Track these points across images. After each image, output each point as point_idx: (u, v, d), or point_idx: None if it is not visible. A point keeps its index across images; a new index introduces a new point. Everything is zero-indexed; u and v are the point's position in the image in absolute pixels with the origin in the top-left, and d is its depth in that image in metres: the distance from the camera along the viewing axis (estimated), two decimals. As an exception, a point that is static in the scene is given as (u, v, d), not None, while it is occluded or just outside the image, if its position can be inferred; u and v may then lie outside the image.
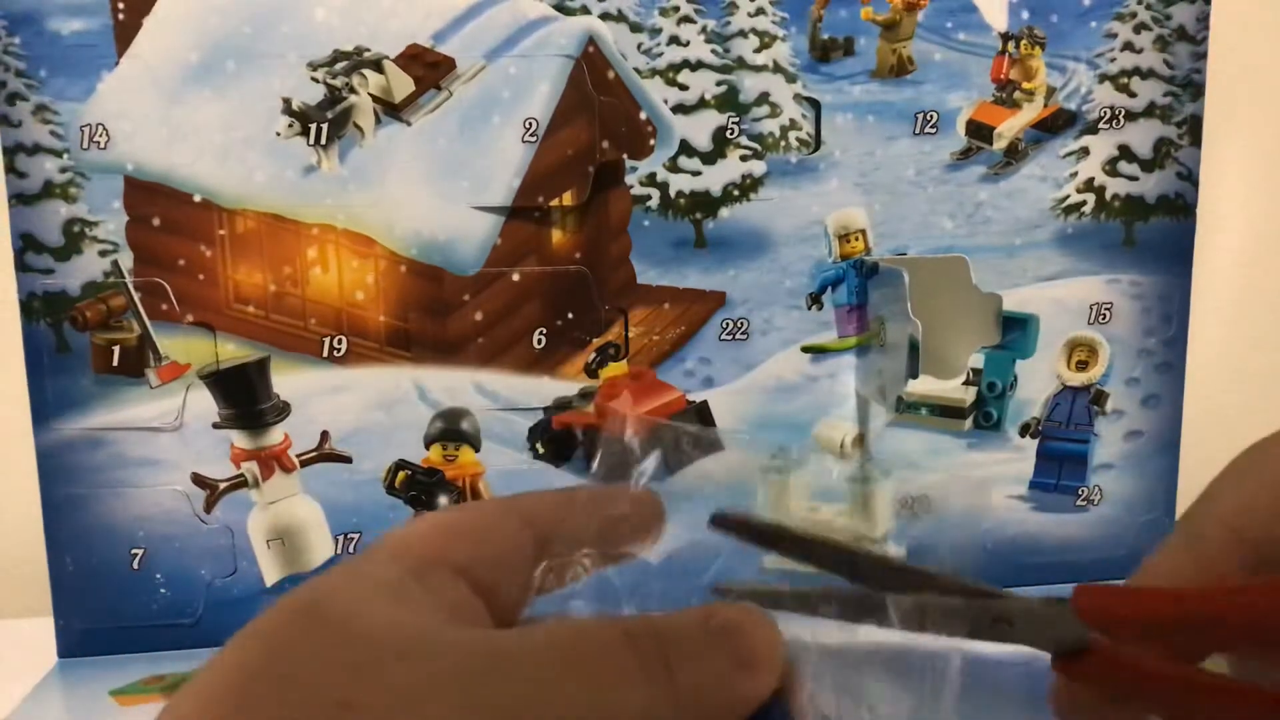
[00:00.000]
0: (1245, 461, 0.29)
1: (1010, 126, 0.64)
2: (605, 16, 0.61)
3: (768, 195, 0.63)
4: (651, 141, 0.62)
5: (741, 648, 0.23)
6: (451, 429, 0.63)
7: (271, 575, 0.62)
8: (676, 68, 0.62)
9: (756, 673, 0.23)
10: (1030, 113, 0.65)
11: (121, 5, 0.57)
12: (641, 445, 0.28)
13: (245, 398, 0.61)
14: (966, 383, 0.67)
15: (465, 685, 0.20)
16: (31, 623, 0.63)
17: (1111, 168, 0.66)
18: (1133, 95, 0.65)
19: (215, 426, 0.61)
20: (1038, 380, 0.67)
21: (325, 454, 0.62)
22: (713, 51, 0.62)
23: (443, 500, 0.63)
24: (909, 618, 0.26)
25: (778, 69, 0.63)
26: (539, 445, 0.64)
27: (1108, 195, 0.66)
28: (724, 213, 0.63)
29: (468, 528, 0.24)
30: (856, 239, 0.64)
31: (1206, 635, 0.25)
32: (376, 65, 0.59)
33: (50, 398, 0.59)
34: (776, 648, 0.23)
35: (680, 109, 0.62)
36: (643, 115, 0.62)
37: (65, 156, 0.58)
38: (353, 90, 0.59)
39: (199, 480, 0.61)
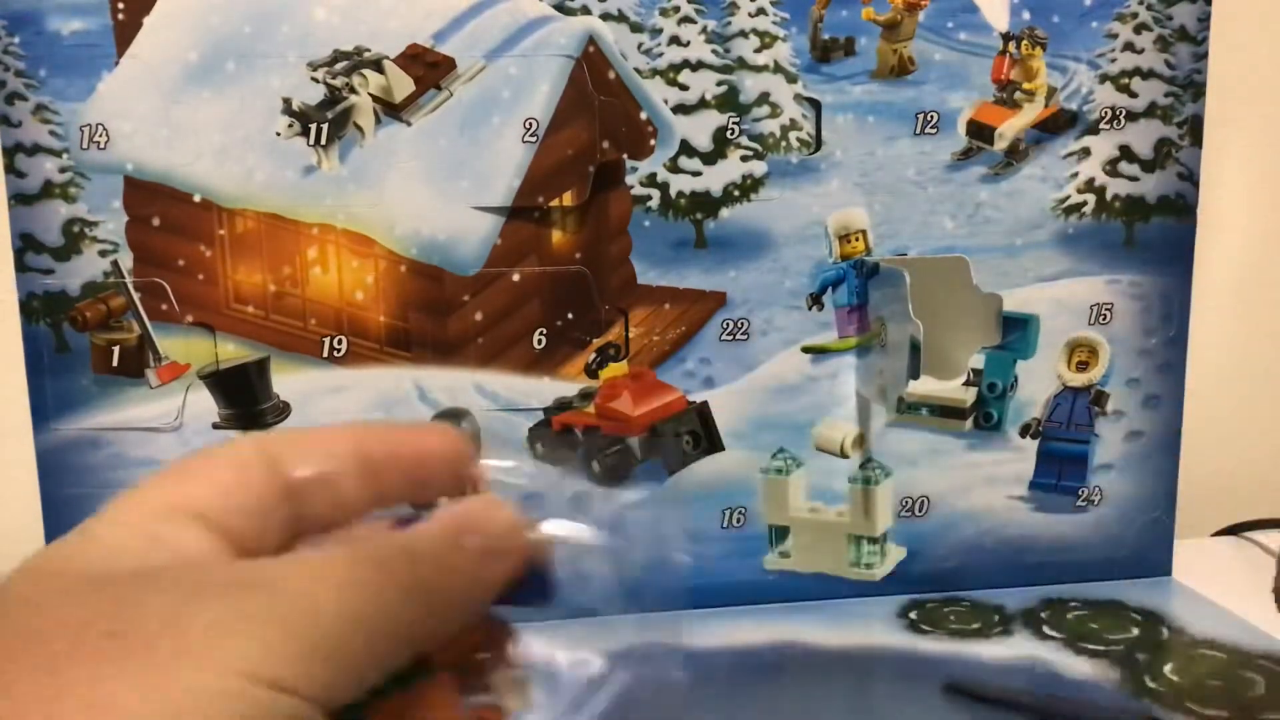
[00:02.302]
0: None
1: (1011, 127, 0.64)
2: (605, 16, 0.61)
3: (768, 195, 0.63)
4: (652, 141, 0.62)
5: (483, 541, 0.25)
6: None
7: (271, 575, 0.62)
8: (677, 68, 0.62)
9: (502, 557, 0.26)
10: (1031, 113, 0.65)
11: (121, 5, 0.57)
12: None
13: (245, 398, 0.61)
14: (967, 383, 0.66)
15: (229, 600, 0.21)
16: (31, 623, 0.63)
17: (1112, 168, 0.66)
18: (1133, 95, 0.65)
19: (215, 427, 0.61)
20: (1038, 381, 0.67)
21: (325, 454, 0.62)
22: (713, 51, 0.62)
23: (442, 500, 0.63)
24: None
25: (778, 69, 0.63)
26: (539, 445, 0.64)
27: (1108, 195, 0.66)
28: (724, 213, 0.63)
29: (204, 473, 0.25)
30: (857, 239, 0.64)
31: None
32: (376, 65, 0.59)
33: (50, 398, 0.59)
34: (517, 532, 0.26)
35: (681, 109, 0.62)
36: (643, 115, 0.62)
37: (65, 156, 0.58)
38: (353, 90, 0.59)
39: (199, 480, 0.61)
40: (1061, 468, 0.68)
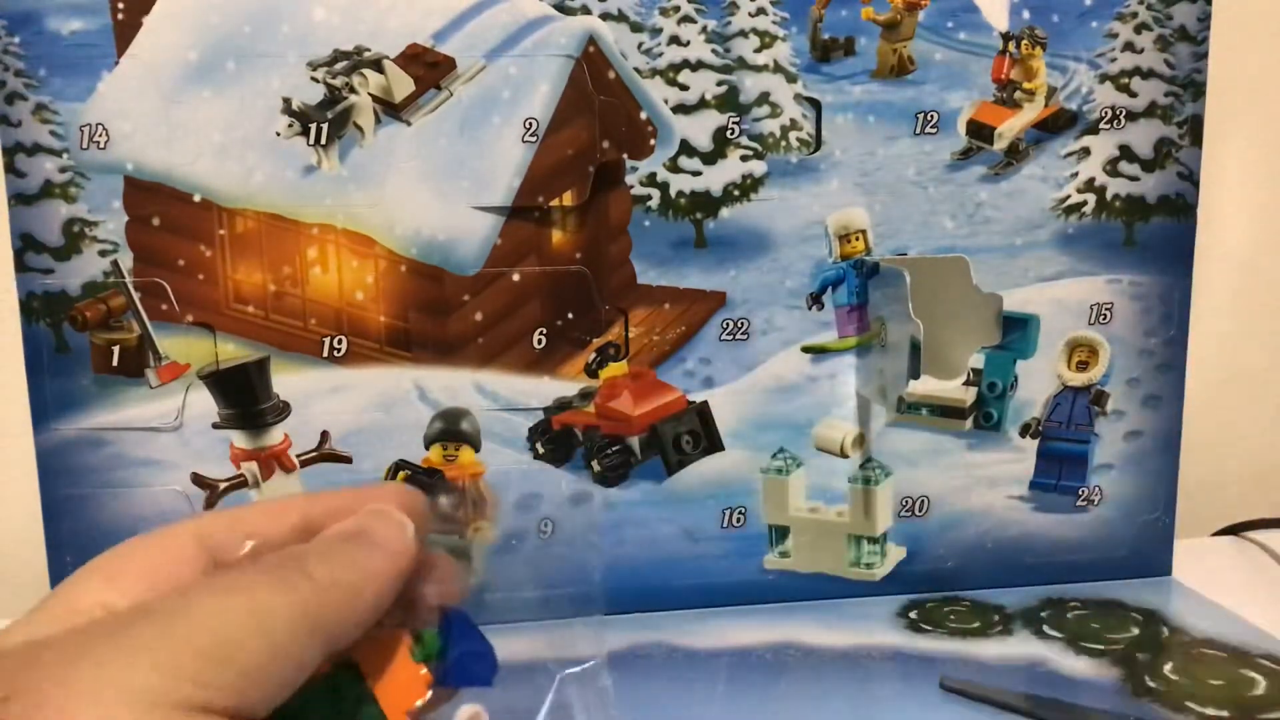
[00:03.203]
0: None
1: (1011, 126, 0.64)
2: (605, 16, 0.61)
3: (768, 195, 0.63)
4: (652, 141, 0.62)
5: (366, 538, 0.27)
6: (451, 429, 0.63)
7: (271, 575, 0.62)
8: (677, 68, 0.62)
9: (383, 546, 0.27)
10: (1031, 113, 0.65)
11: (121, 5, 0.57)
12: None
13: (245, 398, 0.61)
14: (967, 383, 0.66)
15: (115, 639, 0.22)
16: (31, 623, 0.63)
17: (1112, 168, 0.66)
18: (1133, 95, 0.65)
19: (215, 426, 0.61)
20: (1038, 380, 0.67)
21: (325, 454, 0.62)
22: (713, 51, 0.62)
23: (443, 500, 0.63)
24: None
25: (778, 69, 0.63)
26: (539, 445, 0.64)
27: (1108, 195, 0.66)
28: (724, 213, 0.63)
29: (133, 564, 0.26)
30: (857, 239, 0.64)
31: None
32: (376, 65, 0.59)
33: (50, 398, 0.59)
34: (399, 526, 0.28)
35: (681, 109, 0.62)
36: (643, 115, 0.62)
37: (65, 156, 0.58)
38: (353, 90, 0.59)
39: (199, 480, 0.61)
40: (1061, 468, 0.68)
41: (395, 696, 0.27)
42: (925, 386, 0.64)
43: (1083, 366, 0.67)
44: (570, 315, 0.63)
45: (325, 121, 0.59)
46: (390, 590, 0.26)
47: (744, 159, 0.63)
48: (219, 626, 0.22)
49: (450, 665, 0.28)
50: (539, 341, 0.63)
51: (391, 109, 0.60)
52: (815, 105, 0.63)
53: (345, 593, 0.25)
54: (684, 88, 0.62)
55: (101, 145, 0.58)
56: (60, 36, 0.57)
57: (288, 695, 0.23)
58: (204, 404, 0.61)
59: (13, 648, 0.23)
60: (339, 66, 0.59)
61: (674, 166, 0.63)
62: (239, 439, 0.61)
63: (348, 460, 0.62)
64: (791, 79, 0.63)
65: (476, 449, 0.63)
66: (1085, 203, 0.66)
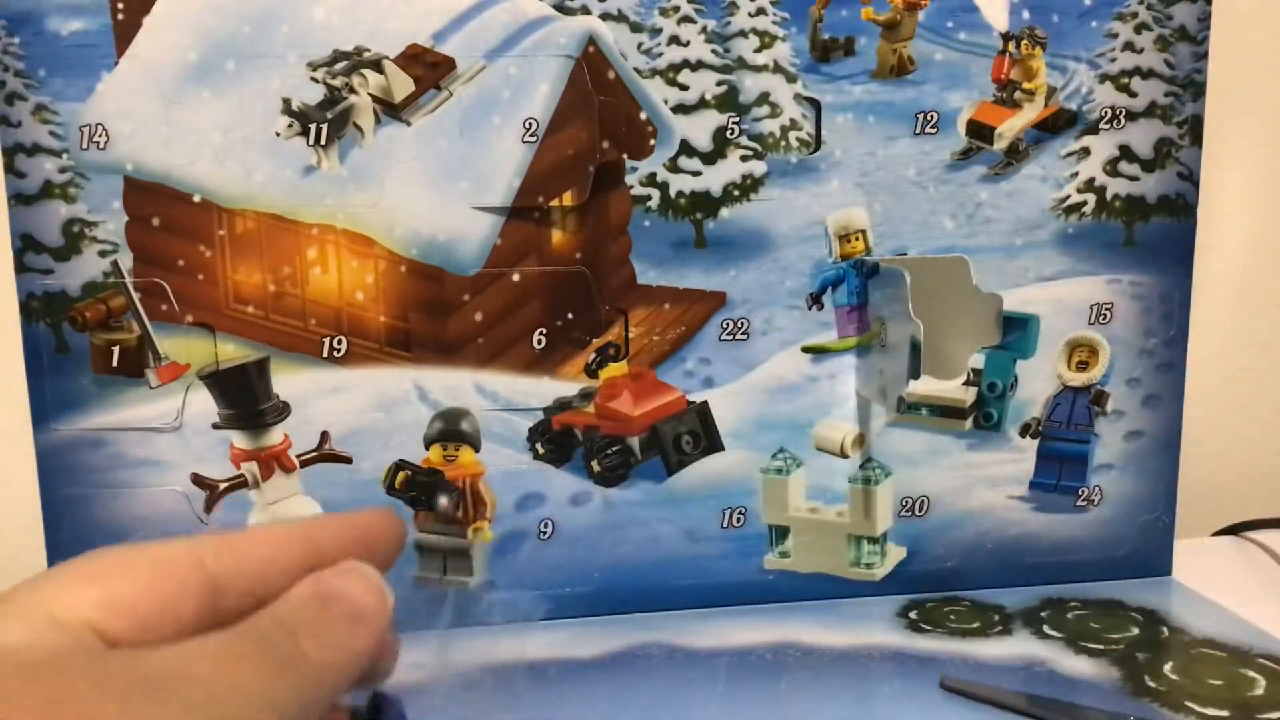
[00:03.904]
0: None
1: (1011, 126, 0.64)
2: (605, 16, 0.61)
3: (768, 195, 0.63)
4: (651, 141, 0.62)
5: (349, 606, 0.26)
6: (451, 429, 0.63)
7: (271, 575, 0.62)
8: (677, 68, 0.62)
9: (369, 621, 0.26)
10: (1031, 113, 0.65)
11: (121, 5, 0.57)
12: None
13: (245, 398, 0.61)
14: (967, 383, 0.66)
15: (135, 701, 0.21)
16: (31, 623, 0.63)
17: (1112, 168, 0.66)
18: (1133, 95, 0.65)
19: (215, 427, 0.61)
20: (1038, 380, 0.67)
21: (325, 454, 0.62)
22: (713, 51, 0.62)
23: (443, 501, 0.63)
24: None
25: (778, 69, 0.63)
26: (539, 445, 0.64)
27: (1108, 195, 0.66)
28: (724, 213, 0.63)
29: (119, 572, 0.24)
30: (857, 239, 0.64)
31: None
32: (376, 65, 0.59)
33: (50, 398, 0.59)
34: (380, 594, 0.26)
35: (680, 109, 0.62)
36: (643, 115, 0.62)
37: (65, 156, 0.58)
38: (353, 90, 0.59)
39: (199, 481, 0.61)
40: (1061, 468, 0.68)
41: None
42: (925, 386, 0.64)
43: (1083, 366, 0.67)
44: (570, 315, 0.63)
45: (325, 121, 0.59)
46: (366, 666, 0.26)
47: (744, 159, 0.63)
48: (239, 710, 0.22)
49: None
50: (539, 341, 0.63)
51: (391, 109, 0.60)
52: (815, 105, 0.63)
53: (335, 675, 0.25)
54: (684, 88, 0.62)
55: (101, 145, 0.58)
56: (60, 36, 0.57)
57: None
58: (204, 404, 0.61)
59: (22, 665, 0.21)
60: (339, 66, 0.59)
61: (674, 166, 0.63)
62: (239, 439, 0.61)
63: (348, 460, 0.62)
64: (791, 79, 0.63)
65: (476, 449, 0.63)
66: (1085, 203, 0.66)
